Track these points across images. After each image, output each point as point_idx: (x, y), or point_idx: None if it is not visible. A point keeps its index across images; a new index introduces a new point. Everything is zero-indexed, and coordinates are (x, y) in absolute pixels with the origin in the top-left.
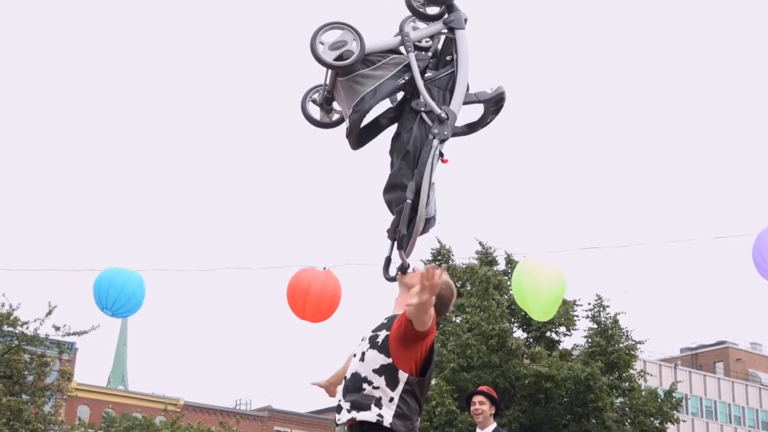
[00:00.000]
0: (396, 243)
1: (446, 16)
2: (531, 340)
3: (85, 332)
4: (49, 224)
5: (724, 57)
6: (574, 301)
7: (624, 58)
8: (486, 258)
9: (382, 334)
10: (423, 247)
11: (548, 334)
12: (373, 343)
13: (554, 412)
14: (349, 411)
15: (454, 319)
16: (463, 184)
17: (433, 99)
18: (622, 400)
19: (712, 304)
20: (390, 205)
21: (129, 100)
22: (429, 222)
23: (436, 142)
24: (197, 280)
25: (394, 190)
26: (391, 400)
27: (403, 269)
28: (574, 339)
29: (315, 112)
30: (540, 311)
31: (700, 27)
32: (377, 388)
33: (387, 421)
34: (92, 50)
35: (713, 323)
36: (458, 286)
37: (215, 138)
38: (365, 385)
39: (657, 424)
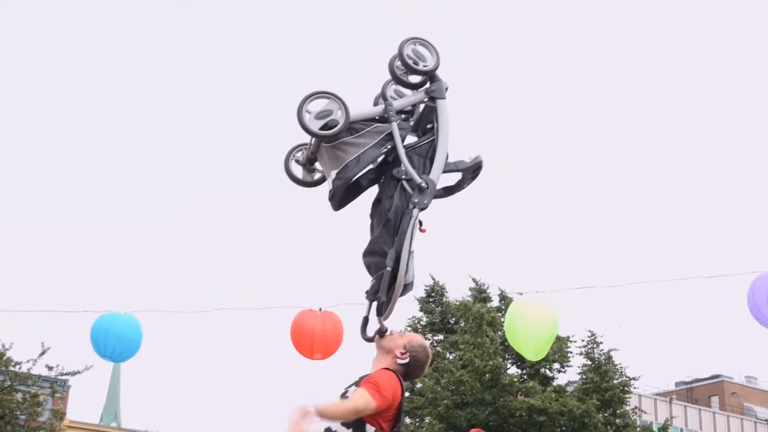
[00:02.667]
0: (376, 308)
1: (428, 85)
2: (525, 376)
3: (79, 372)
4: (42, 264)
5: (720, 95)
6: (568, 337)
7: (618, 96)
8: (479, 295)
9: (352, 389)
10: (416, 287)
11: (542, 370)
12: (343, 398)
13: None
14: None
15: (447, 356)
16: (456, 221)
17: (413, 167)
18: None
19: (706, 338)
20: (369, 268)
21: (114, 104)
22: (407, 287)
23: (416, 211)
24: (191, 320)
25: (373, 255)
26: None
27: (381, 333)
28: (568, 375)
29: (298, 171)
30: (532, 352)
31: (691, 71)
32: None
33: None
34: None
35: (708, 357)
36: (452, 323)
37: (206, 175)
38: None
39: None
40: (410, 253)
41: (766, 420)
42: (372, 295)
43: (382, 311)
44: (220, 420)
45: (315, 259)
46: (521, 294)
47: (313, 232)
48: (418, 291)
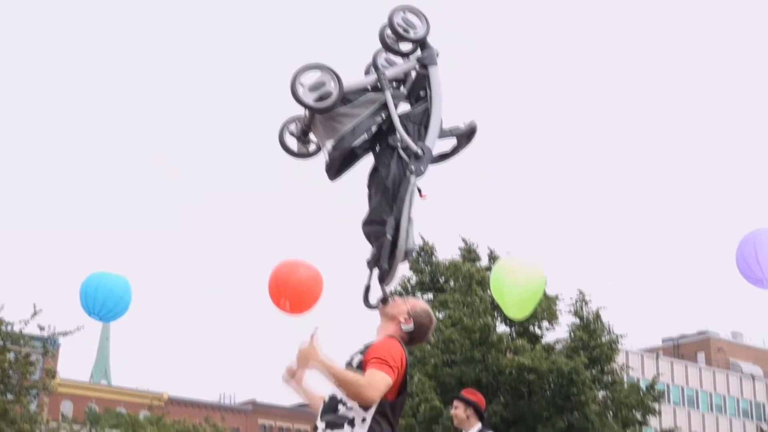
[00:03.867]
0: (378, 276)
1: (419, 52)
2: (514, 334)
3: (70, 332)
4: (33, 226)
5: (705, 65)
6: (557, 296)
7: (606, 68)
8: (469, 254)
9: (357, 357)
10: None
11: (531, 328)
12: (347, 366)
13: (537, 406)
14: (324, 429)
15: (437, 314)
16: (446, 181)
17: (408, 134)
18: (605, 393)
19: (693, 295)
20: (369, 237)
21: (115, 104)
22: (407, 254)
23: (413, 178)
24: (182, 277)
25: (372, 224)
26: (364, 420)
27: (384, 300)
28: (557, 333)
29: (292, 143)
30: (517, 310)
31: (677, 58)
32: (351, 408)
33: None
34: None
35: (695, 314)
36: (441, 282)
37: (205, 139)
38: (340, 406)
39: (639, 417)
40: (410, 220)
41: (751, 375)
42: (373, 263)
43: (384, 279)
44: (210, 374)
45: (306, 217)
46: (510, 253)
47: (304, 191)
48: None
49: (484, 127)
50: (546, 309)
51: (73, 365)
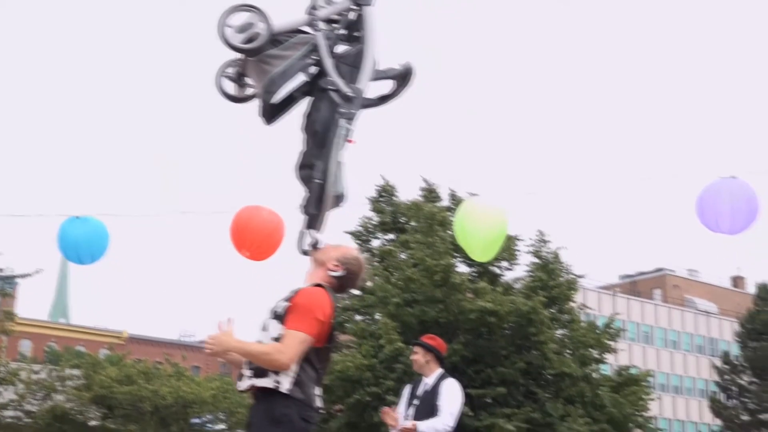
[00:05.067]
0: (307, 221)
1: None
2: (475, 274)
3: (29, 275)
4: None
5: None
6: (516, 236)
7: (571, 3)
8: (430, 195)
9: (283, 304)
10: (367, 187)
11: (491, 268)
12: (273, 313)
13: (496, 345)
14: (249, 378)
15: (399, 255)
16: (406, 122)
17: (342, 76)
18: (563, 332)
19: (650, 233)
20: (302, 181)
21: (73, 56)
22: (338, 199)
23: (343, 121)
24: (145, 223)
25: (304, 169)
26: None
27: (314, 245)
28: (516, 273)
29: (229, 87)
30: (480, 253)
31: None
32: None
33: (284, 387)
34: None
35: (652, 251)
36: (402, 222)
37: (162, 82)
38: None
39: (596, 355)
40: (339, 164)
41: (705, 312)
42: (305, 208)
43: (313, 224)
44: (170, 312)
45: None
46: (472, 194)
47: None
48: (369, 191)
49: (446, 67)
50: (506, 249)
51: (31, 304)
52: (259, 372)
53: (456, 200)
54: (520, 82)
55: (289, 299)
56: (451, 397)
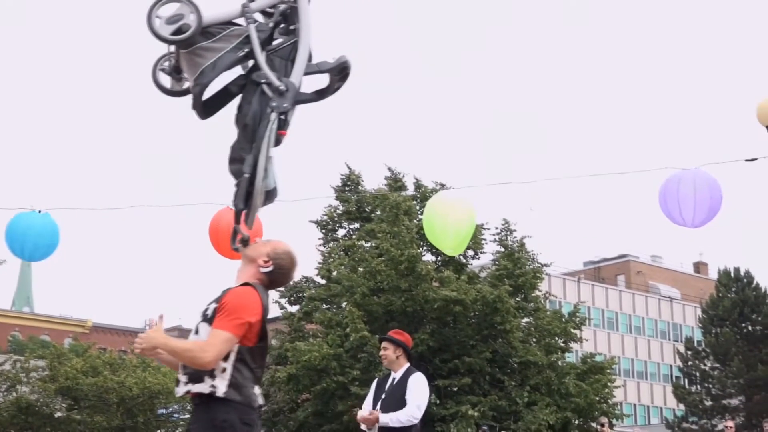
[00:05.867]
0: (234, 215)
1: None
2: (440, 263)
3: None
4: None
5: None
6: (482, 225)
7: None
8: (395, 183)
9: (212, 306)
10: (332, 176)
11: (456, 257)
12: (203, 316)
13: (462, 334)
14: (186, 384)
15: (364, 244)
16: (371, 111)
17: (275, 70)
18: (528, 320)
19: (614, 220)
20: (233, 175)
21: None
22: (271, 194)
23: (274, 115)
24: (106, 216)
25: (234, 163)
26: (224, 370)
27: (244, 241)
28: (482, 262)
29: (166, 80)
30: (450, 247)
31: None
32: None
33: (221, 391)
34: None
35: (615, 237)
36: (368, 211)
37: (127, 70)
38: None
39: (561, 343)
40: (268, 158)
41: (669, 297)
42: (235, 203)
43: (239, 219)
44: (135, 301)
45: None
46: (438, 183)
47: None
48: (334, 180)
49: (410, 55)
50: (471, 238)
51: None
52: (194, 377)
53: (421, 189)
54: (484, 70)
55: (218, 300)
56: (418, 390)
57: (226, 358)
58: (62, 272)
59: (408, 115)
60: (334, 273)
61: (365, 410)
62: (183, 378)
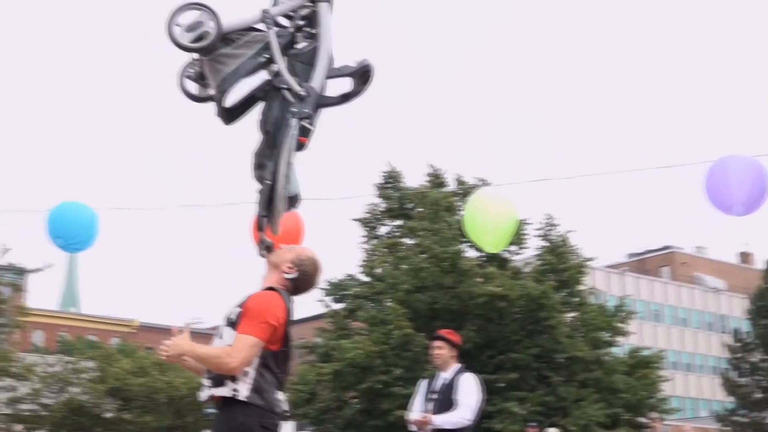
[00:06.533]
0: (257, 223)
1: None
2: (483, 259)
3: (40, 269)
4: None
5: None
6: (524, 219)
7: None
8: (436, 180)
9: (236, 311)
10: (374, 173)
11: (499, 252)
12: (227, 320)
13: (507, 330)
14: (209, 388)
15: (406, 242)
16: (413, 109)
17: (296, 75)
18: (573, 315)
19: (657, 211)
20: (258, 182)
21: (76, 38)
22: (293, 200)
23: (294, 121)
24: (150, 202)
25: (257, 169)
26: (246, 374)
27: (267, 248)
28: (525, 257)
29: (192, 87)
30: (492, 245)
31: None
32: None
33: (242, 395)
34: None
35: (659, 229)
36: (409, 208)
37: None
38: None
39: (608, 337)
40: (289, 164)
41: (714, 288)
42: (258, 210)
43: (262, 226)
44: (179, 300)
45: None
46: (479, 180)
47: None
48: (376, 178)
49: (452, 53)
50: (514, 233)
51: (41, 293)
52: (217, 381)
53: (462, 185)
54: (524, 66)
55: (241, 305)
56: (470, 391)
57: (248, 363)
58: (108, 272)
59: (448, 112)
60: (378, 270)
61: (416, 412)
62: (207, 382)
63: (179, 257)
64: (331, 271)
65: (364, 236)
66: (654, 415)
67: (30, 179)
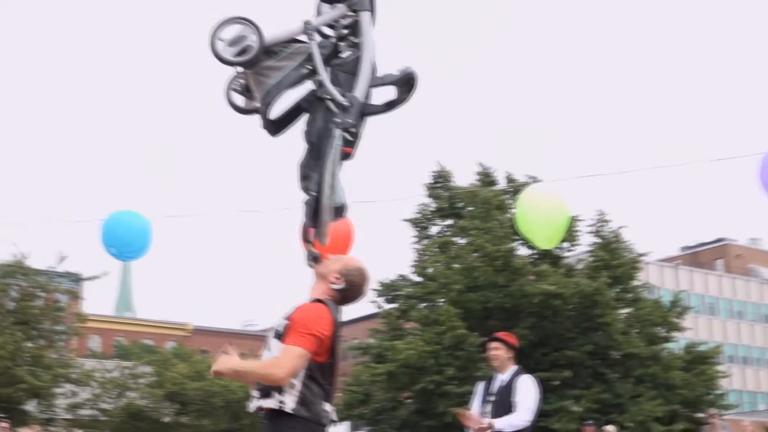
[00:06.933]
0: (302, 234)
1: None
2: (535, 257)
3: (97, 277)
4: (55, 175)
5: None
6: (576, 216)
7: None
8: (486, 179)
9: (283, 323)
10: (423, 173)
11: (552, 250)
12: (275, 332)
13: (561, 327)
14: (257, 399)
15: (458, 241)
16: (462, 108)
17: (339, 85)
18: (628, 311)
19: (711, 203)
20: (305, 193)
21: (125, 45)
22: (339, 210)
23: (338, 132)
24: (202, 206)
25: (303, 181)
26: (293, 386)
27: (315, 259)
28: (577, 254)
29: (239, 99)
30: (544, 241)
31: None
32: None
33: (289, 407)
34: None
35: (712, 221)
36: (460, 207)
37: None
38: None
39: (664, 333)
40: (334, 175)
41: None
42: (304, 221)
43: (308, 237)
44: (233, 303)
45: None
46: (530, 177)
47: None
48: (425, 178)
49: (497, 50)
50: (566, 230)
51: (96, 298)
52: (265, 392)
53: (513, 183)
54: (572, 62)
55: (288, 317)
56: (528, 392)
57: (295, 374)
58: (161, 276)
59: (497, 110)
60: (430, 270)
61: (475, 416)
62: (255, 393)
63: (232, 261)
64: (382, 272)
65: (415, 236)
66: (713, 411)
67: (85, 189)
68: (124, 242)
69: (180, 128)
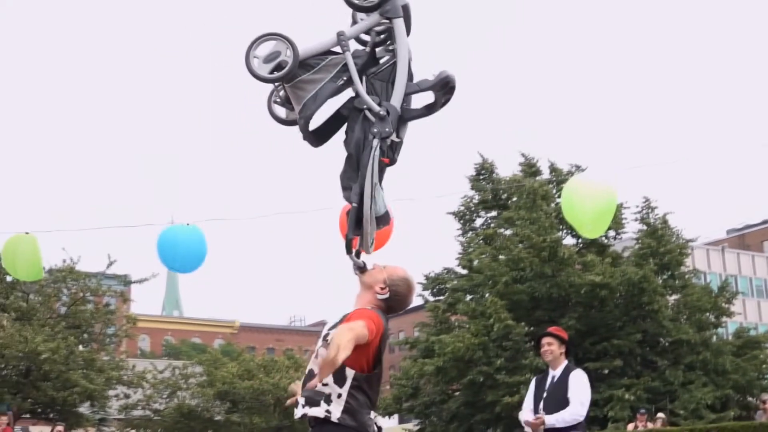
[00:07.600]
0: (345, 245)
1: (383, 6)
2: (581, 246)
3: (146, 279)
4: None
5: None
6: (622, 204)
7: None
8: (529, 169)
9: (333, 332)
10: (466, 166)
11: (598, 238)
12: (324, 340)
13: (609, 316)
14: (303, 406)
15: (504, 232)
16: (502, 97)
17: (375, 93)
18: (676, 297)
19: (756, 185)
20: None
21: (161, 47)
22: (382, 219)
23: (376, 141)
24: (248, 203)
25: (344, 191)
26: (339, 396)
27: (361, 268)
28: (624, 242)
29: (281, 111)
30: (590, 229)
31: None
32: (326, 384)
33: (335, 416)
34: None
35: (758, 203)
36: (504, 198)
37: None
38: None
39: (713, 319)
40: (374, 185)
41: None
42: (348, 231)
43: (350, 248)
44: (280, 300)
45: None
46: (573, 166)
47: None
48: (468, 170)
49: (540, 40)
50: (612, 218)
51: (143, 298)
52: (311, 401)
53: (556, 173)
54: (615, 51)
55: (337, 325)
56: (580, 387)
57: (342, 384)
58: (207, 275)
59: (539, 99)
60: (476, 262)
61: (527, 412)
62: (301, 401)
63: (277, 260)
64: (428, 266)
65: (459, 229)
66: (765, 396)
67: (139, 196)
68: (180, 256)
69: (219, 137)
